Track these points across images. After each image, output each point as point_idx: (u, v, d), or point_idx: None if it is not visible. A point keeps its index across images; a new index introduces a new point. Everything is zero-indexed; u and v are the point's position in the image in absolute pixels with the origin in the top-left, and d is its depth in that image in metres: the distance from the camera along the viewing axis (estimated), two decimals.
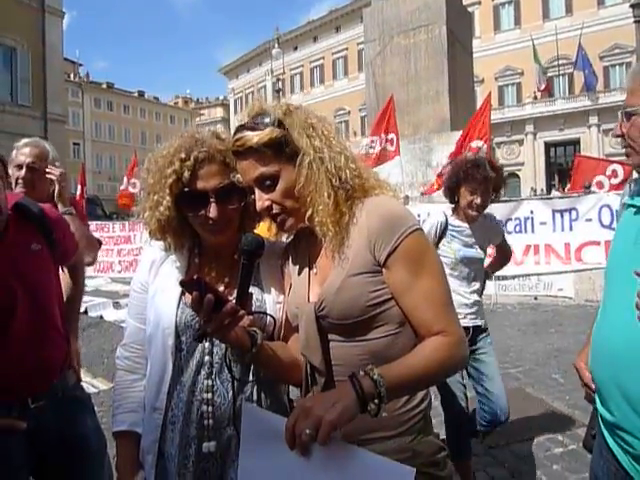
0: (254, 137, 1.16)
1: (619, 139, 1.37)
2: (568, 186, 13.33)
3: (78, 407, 1.84)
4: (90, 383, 4.72)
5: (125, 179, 12.05)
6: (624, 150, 1.36)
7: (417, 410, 1.20)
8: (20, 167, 2.50)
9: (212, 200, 1.29)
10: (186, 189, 1.29)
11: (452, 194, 2.89)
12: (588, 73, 29.68)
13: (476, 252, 2.87)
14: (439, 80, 10.02)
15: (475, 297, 2.89)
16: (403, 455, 1.13)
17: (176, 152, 1.29)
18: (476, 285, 2.90)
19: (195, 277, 1.07)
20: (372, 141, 8.18)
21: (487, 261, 3.14)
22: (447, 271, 2.63)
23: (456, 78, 10.26)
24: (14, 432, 1.56)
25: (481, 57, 27.16)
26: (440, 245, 2.85)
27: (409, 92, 10.23)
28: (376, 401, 0.96)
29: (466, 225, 2.86)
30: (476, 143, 7.06)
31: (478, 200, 2.74)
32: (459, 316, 2.59)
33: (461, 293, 2.81)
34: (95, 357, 5.49)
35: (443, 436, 3.36)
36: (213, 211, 1.28)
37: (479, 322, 2.87)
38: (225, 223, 1.33)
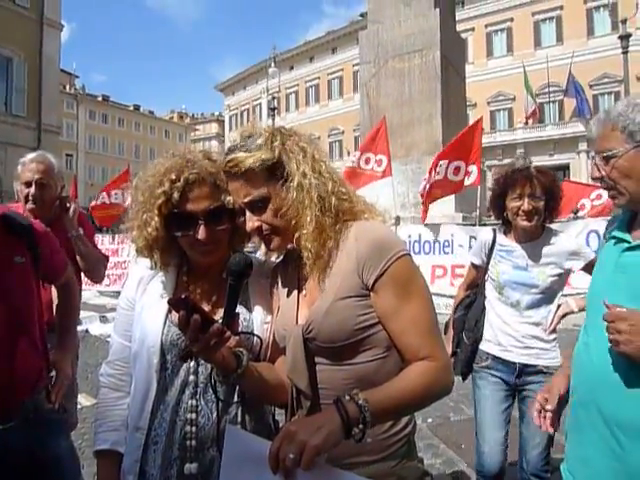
0: (246, 159, 1.18)
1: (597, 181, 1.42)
2: None
3: (51, 428, 1.77)
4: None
5: (104, 193, 11.14)
6: (607, 193, 1.42)
7: (401, 435, 1.20)
8: (29, 184, 2.49)
9: (201, 222, 1.29)
10: (175, 210, 1.29)
11: (499, 210, 2.50)
12: (580, 99, 30.24)
13: (529, 276, 2.38)
14: (432, 103, 10.17)
15: (528, 329, 2.39)
16: None
17: (167, 172, 1.29)
18: (533, 316, 2.38)
19: (182, 296, 1.07)
20: (359, 157, 8.28)
21: (569, 290, 2.74)
22: (494, 294, 2.49)
23: (449, 102, 10.43)
24: None
25: (474, 82, 27.59)
26: (489, 266, 2.54)
27: (402, 114, 10.36)
28: (361, 426, 0.96)
29: (516, 245, 2.45)
30: (471, 167, 7.13)
31: (525, 205, 2.31)
32: (501, 347, 2.42)
33: (508, 321, 2.43)
34: (79, 372, 5.38)
35: (428, 461, 3.28)
36: (202, 233, 1.28)
37: (533, 361, 2.37)
38: (214, 245, 1.33)
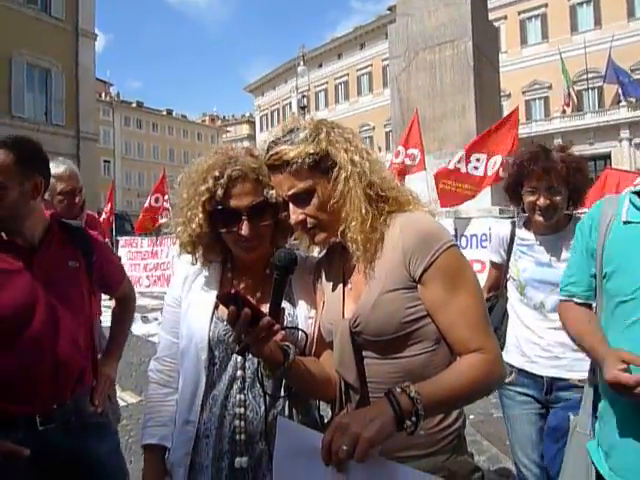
0: (290, 151, 1.17)
1: None
2: None
3: (92, 432, 1.75)
4: (119, 397, 4.78)
5: (149, 198, 11.80)
6: None
7: (452, 429, 1.18)
8: (61, 194, 2.76)
9: (244, 218, 1.30)
10: (219, 207, 1.30)
11: (516, 199, 2.27)
12: (627, 82, 28.99)
13: (554, 273, 2.05)
14: (465, 95, 9.97)
15: (555, 336, 2.05)
16: (438, 474, 1.10)
17: (210, 169, 1.30)
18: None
19: (232, 291, 1.08)
20: (398, 152, 8.17)
21: None
22: (516, 296, 2.25)
23: (482, 93, 10.20)
24: (16, 458, 1.47)
25: (508, 71, 26.92)
26: (509, 264, 2.29)
27: (435, 107, 10.20)
28: (413, 418, 0.95)
29: (533, 237, 2.21)
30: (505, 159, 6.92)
31: (541, 201, 2.07)
32: (526, 358, 2.16)
33: (532, 327, 2.13)
34: (123, 371, 5.56)
35: (477, 457, 3.20)
36: (245, 229, 1.30)
37: (564, 374, 2.06)
38: (257, 240, 1.34)
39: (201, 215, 1.31)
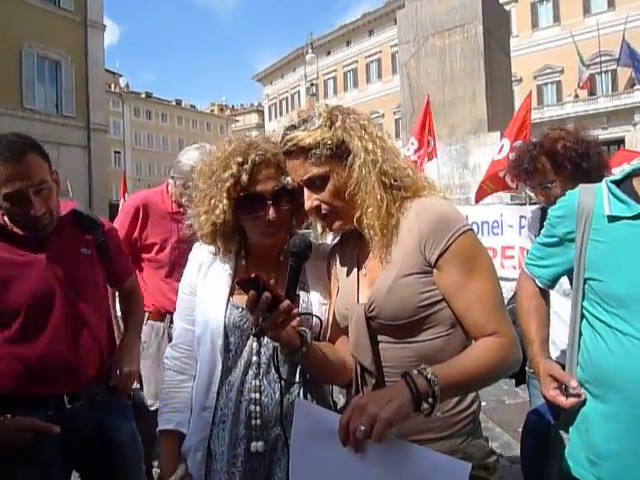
0: (306, 137, 1.18)
1: None
2: None
3: (116, 413, 1.82)
4: None
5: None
6: None
7: (467, 412, 1.19)
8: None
9: (270, 203, 1.30)
10: (245, 192, 1.30)
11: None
12: (639, 65, 28.38)
13: None
14: (475, 81, 9.84)
15: None
16: (454, 457, 1.11)
17: (231, 156, 1.30)
18: None
19: (253, 275, 1.08)
20: (412, 143, 8.06)
21: None
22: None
23: (493, 78, 10.06)
24: (48, 434, 1.56)
25: (519, 56, 26.49)
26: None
27: (445, 93, 10.09)
28: (430, 400, 0.96)
29: None
30: (517, 144, 6.85)
31: (541, 199, 2.15)
32: (554, 346, 1.92)
33: (561, 314, 2.02)
34: None
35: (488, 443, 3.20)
36: (272, 213, 1.30)
37: None
38: (281, 225, 1.34)
39: (225, 202, 1.29)
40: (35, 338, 1.61)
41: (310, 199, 1.22)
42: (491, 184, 7.07)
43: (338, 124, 1.19)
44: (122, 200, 15.48)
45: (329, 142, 1.17)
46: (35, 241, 1.66)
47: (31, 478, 1.58)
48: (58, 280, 1.66)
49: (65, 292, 1.67)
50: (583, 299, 1.40)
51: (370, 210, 1.17)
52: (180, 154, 2.68)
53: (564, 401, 1.37)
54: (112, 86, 51.56)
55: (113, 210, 19.16)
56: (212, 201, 1.31)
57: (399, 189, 1.21)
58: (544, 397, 1.45)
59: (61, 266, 1.68)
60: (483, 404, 4.06)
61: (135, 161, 55.09)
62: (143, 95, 59.18)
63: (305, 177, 1.21)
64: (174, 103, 62.95)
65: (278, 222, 1.32)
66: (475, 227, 7.86)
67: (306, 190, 1.23)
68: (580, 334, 1.42)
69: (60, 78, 20.69)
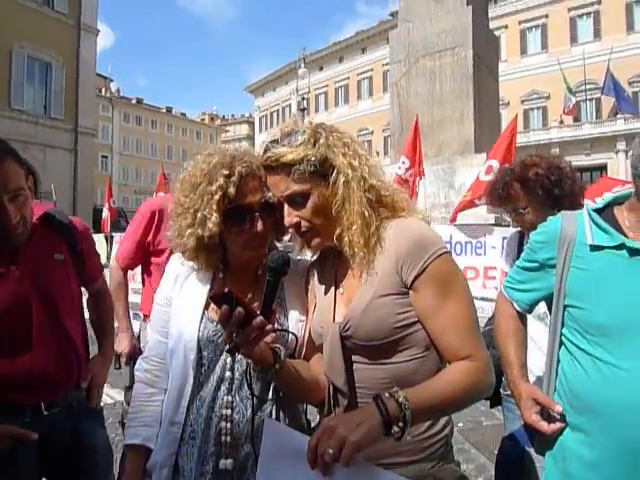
0: (289, 153, 1.17)
1: None
2: None
3: (91, 419, 1.83)
4: (107, 394, 4.74)
5: (155, 194, 12.11)
6: None
7: (439, 436, 1.18)
8: None
9: (257, 214, 1.29)
10: (232, 205, 1.28)
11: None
12: (620, 95, 29.22)
13: None
14: (464, 102, 10.01)
15: None
16: None
17: (216, 168, 1.28)
18: None
19: (226, 290, 1.07)
20: (403, 162, 8.12)
21: None
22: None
23: (481, 101, 10.24)
24: (25, 441, 1.54)
25: (507, 80, 27.04)
26: None
27: (434, 114, 10.23)
28: (401, 424, 0.94)
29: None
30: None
31: (516, 224, 2.22)
32: (530, 372, 1.78)
33: (535, 338, 1.98)
34: (113, 368, 5.53)
35: (465, 465, 3.16)
36: (260, 225, 1.29)
37: None
38: (266, 238, 1.34)
39: (215, 215, 1.26)
40: (13, 349, 1.58)
41: (290, 215, 1.21)
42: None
43: (322, 141, 1.18)
44: (106, 205, 15.30)
45: (312, 159, 1.16)
46: (6, 251, 1.60)
47: None
48: (33, 291, 1.62)
49: (41, 302, 1.63)
50: (562, 326, 1.40)
51: (354, 228, 1.16)
52: None
53: (546, 427, 1.35)
54: (103, 90, 51.30)
55: (97, 214, 18.98)
56: (198, 214, 1.28)
57: (381, 207, 1.21)
58: (524, 421, 1.43)
59: (35, 276, 1.64)
60: (459, 425, 4.06)
61: (122, 166, 54.63)
62: (134, 101, 58.95)
63: (286, 193, 1.20)
64: (164, 110, 62.77)
65: (266, 234, 1.32)
66: (458, 247, 7.96)
67: (286, 206, 1.22)
68: (558, 361, 1.42)
69: (50, 80, 20.56)
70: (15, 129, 17.91)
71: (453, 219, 7.93)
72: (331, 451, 0.85)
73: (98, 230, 15.26)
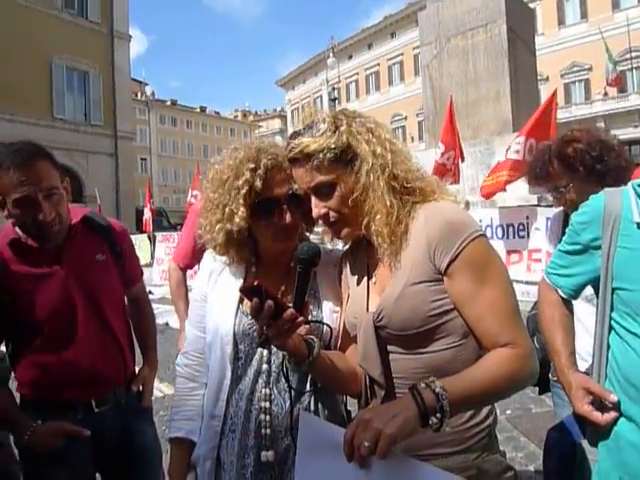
0: (311, 144, 1.15)
1: None
2: None
3: (140, 417, 1.88)
4: (157, 387, 4.89)
5: (190, 192, 12.38)
6: None
7: (482, 426, 1.14)
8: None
9: (285, 207, 1.29)
10: (260, 198, 1.29)
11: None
12: None
13: None
14: (499, 80, 9.68)
15: None
16: (467, 473, 1.07)
17: (242, 163, 1.29)
18: None
19: (255, 284, 1.07)
20: (439, 147, 7.93)
21: None
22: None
23: (518, 78, 9.88)
24: (78, 438, 1.61)
25: (545, 54, 26.03)
26: None
27: (468, 94, 9.95)
28: (438, 415, 0.91)
29: None
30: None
31: (556, 203, 2.11)
32: (579, 355, 1.76)
33: (583, 321, 1.90)
34: (162, 362, 5.69)
35: (509, 454, 3.06)
36: (288, 217, 1.29)
37: None
38: (294, 229, 1.33)
39: (243, 209, 1.27)
40: (61, 348, 1.65)
41: (318, 207, 1.20)
42: (511, 172, 6.81)
43: (343, 128, 1.16)
44: (147, 206, 15.70)
45: (334, 147, 1.14)
46: (51, 253, 1.67)
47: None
48: (77, 290, 1.68)
49: (85, 301, 1.70)
50: (611, 310, 1.33)
51: (378, 217, 1.13)
52: None
53: (600, 417, 1.28)
54: (138, 94, 52.65)
55: (139, 215, 19.56)
56: (226, 209, 1.29)
57: (409, 193, 1.17)
58: (576, 412, 1.36)
59: (78, 276, 1.70)
60: (508, 412, 3.97)
61: (161, 167, 56.04)
62: (168, 102, 60.23)
63: (312, 184, 1.18)
64: (198, 110, 63.87)
65: (294, 226, 1.31)
66: (500, 230, 7.73)
67: (313, 198, 1.20)
68: (608, 347, 1.35)
69: (88, 88, 21.28)
70: (58, 137, 18.68)
71: (487, 195, 7.57)
72: (367, 444, 0.84)
73: (141, 231, 15.77)
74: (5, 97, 17.57)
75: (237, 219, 1.28)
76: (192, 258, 2.68)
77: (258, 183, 1.26)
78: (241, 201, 1.27)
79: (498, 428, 1.23)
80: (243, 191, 1.27)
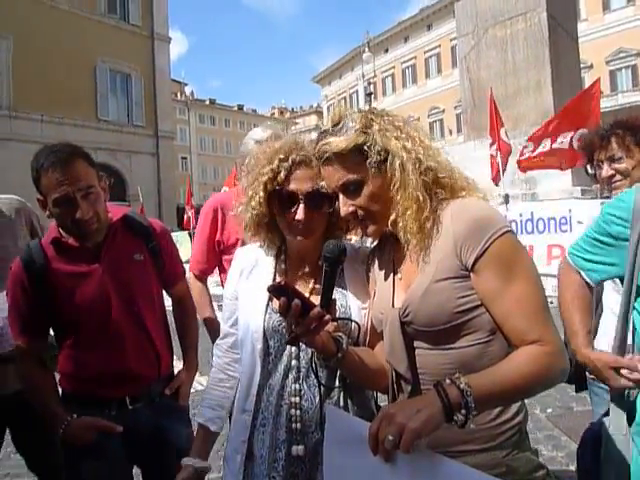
0: (340, 143, 1.16)
1: None
2: None
3: (175, 416, 1.87)
4: (197, 381, 5.01)
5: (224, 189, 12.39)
6: None
7: (511, 423, 1.13)
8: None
9: (301, 202, 1.31)
10: (278, 188, 1.33)
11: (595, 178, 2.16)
12: None
13: None
14: (540, 70, 9.38)
15: None
16: (496, 470, 1.07)
17: (276, 152, 1.34)
18: None
19: (282, 283, 1.09)
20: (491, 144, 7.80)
21: None
22: (609, 282, 1.94)
23: (559, 66, 9.55)
24: (111, 433, 1.67)
25: (589, 41, 25.00)
26: None
27: (507, 85, 9.69)
28: (463, 411, 0.91)
29: None
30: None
31: (603, 172, 1.99)
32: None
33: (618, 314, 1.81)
34: (202, 356, 5.83)
35: (549, 453, 2.98)
36: (300, 213, 1.31)
37: None
38: (310, 227, 1.34)
39: (261, 194, 1.33)
40: (97, 345, 1.71)
41: (346, 205, 1.21)
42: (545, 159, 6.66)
43: (374, 127, 1.17)
44: (188, 204, 16.05)
45: (363, 146, 1.15)
46: (90, 251, 1.73)
47: (101, 472, 1.69)
48: (113, 288, 1.73)
49: (122, 300, 1.74)
50: (635, 299, 1.33)
51: (409, 212, 1.13)
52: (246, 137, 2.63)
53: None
54: (178, 95, 53.81)
55: (180, 213, 20.03)
56: (250, 192, 1.36)
57: (439, 189, 1.17)
58: (613, 389, 1.39)
59: (116, 274, 1.75)
60: (548, 411, 3.88)
61: (201, 166, 57.16)
62: (207, 102, 61.32)
63: (340, 183, 1.20)
64: (236, 108, 64.74)
65: (308, 223, 1.32)
66: (541, 224, 7.49)
67: (341, 196, 1.22)
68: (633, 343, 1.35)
69: (130, 90, 21.91)
70: (103, 138, 19.38)
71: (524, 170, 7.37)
72: (391, 438, 0.85)
73: (182, 228, 16.15)
74: (55, 101, 18.35)
75: (253, 203, 1.34)
76: (206, 262, 2.58)
77: (282, 174, 1.31)
78: (261, 186, 1.33)
79: (537, 426, 1.22)
80: (265, 178, 1.32)
